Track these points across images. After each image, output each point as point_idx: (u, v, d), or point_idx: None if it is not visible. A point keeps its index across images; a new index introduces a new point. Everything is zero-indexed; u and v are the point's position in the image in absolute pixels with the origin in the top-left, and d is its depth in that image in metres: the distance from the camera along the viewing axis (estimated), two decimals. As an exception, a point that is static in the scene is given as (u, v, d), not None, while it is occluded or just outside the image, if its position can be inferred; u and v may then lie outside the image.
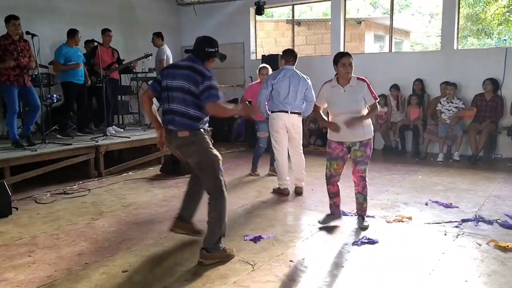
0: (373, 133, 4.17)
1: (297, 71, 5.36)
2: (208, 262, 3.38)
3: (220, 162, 3.51)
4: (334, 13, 9.38)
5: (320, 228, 4.14)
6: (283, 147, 5.43)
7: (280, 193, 5.47)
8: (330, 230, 4.10)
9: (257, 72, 6.51)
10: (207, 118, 3.56)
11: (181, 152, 3.57)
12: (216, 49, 3.60)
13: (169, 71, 3.55)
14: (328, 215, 4.35)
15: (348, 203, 4.89)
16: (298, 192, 5.46)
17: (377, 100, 4.07)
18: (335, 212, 4.34)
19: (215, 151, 3.52)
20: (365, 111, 4.07)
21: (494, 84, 7.51)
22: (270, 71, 6.27)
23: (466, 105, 7.68)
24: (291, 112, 5.21)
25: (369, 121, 4.11)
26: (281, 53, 5.55)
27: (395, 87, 8.35)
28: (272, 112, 5.33)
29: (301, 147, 5.50)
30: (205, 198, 3.63)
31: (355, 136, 4.03)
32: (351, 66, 3.98)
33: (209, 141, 3.55)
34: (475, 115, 7.47)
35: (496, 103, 7.48)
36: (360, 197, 4.25)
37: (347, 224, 4.27)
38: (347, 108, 4.02)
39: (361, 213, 4.27)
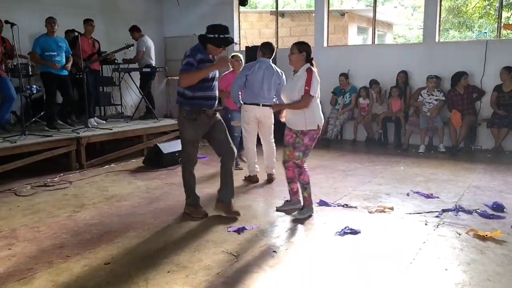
0: (318, 126, 4.10)
1: (273, 65, 5.41)
2: (184, 209, 4.31)
3: (191, 141, 4.07)
4: (317, 5, 9.37)
5: (303, 219, 4.15)
6: (252, 136, 5.57)
7: (250, 181, 5.58)
8: (312, 220, 4.13)
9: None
10: (200, 94, 3.97)
11: None
12: (216, 35, 3.87)
13: None
14: (285, 201, 4.54)
15: (330, 193, 4.95)
16: (270, 179, 5.57)
17: (307, 93, 3.93)
18: (291, 198, 4.48)
19: (190, 130, 4.03)
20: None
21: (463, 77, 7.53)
22: (242, 58, 6.34)
23: (446, 97, 7.75)
24: (263, 105, 5.27)
25: (312, 113, 4.06)
26: (259, 46, 5.55)
27: (375, 82, 8.38)
28: (244, 103, 5.39)
29: (272, 137, 5.59)
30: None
31: (295, 125, 4.14)
32: (291, 53, 4.05)
33: (190, 118, 3.99)
34: (456, 110, 7.50)
35: (470, 94, 7.57)
36: (299, 184, 4.26)
37: (330, 214, 4.30)
38: (286, 95, 4.19)
39: (302, 202, 4.30)
